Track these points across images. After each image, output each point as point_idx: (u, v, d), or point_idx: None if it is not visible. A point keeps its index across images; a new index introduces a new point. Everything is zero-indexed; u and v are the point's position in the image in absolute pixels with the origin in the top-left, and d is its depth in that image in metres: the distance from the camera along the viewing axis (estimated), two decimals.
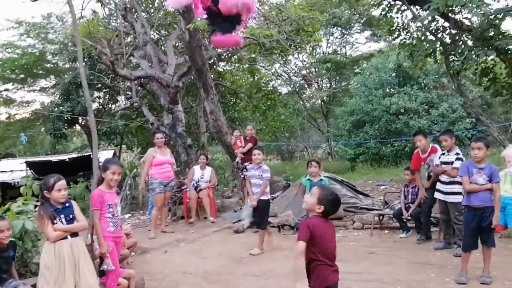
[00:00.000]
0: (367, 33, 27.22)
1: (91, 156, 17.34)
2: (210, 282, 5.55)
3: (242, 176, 10.21)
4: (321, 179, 6.99)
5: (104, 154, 20.70)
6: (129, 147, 22.71)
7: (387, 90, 20.05)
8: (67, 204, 4.37)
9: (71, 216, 4.34)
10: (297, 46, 14.15)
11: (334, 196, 3.31)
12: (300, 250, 3.07)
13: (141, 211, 11.90)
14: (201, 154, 10.19)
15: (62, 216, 4.29)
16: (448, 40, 9.07)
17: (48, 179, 4.35)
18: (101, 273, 4.78)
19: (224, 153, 15.64)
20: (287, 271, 5.78)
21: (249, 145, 9.88)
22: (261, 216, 6.85)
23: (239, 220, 9.00)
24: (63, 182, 4.36)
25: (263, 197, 6.78)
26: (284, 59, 17.99)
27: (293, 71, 26.42)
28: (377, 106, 19.22)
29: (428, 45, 8.96)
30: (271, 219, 8.64)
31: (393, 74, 20.11)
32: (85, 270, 4.24)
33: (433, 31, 9.12)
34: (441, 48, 9.19)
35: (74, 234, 4.33)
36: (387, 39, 21.69)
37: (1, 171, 19.49)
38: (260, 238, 6.77)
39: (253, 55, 15.86)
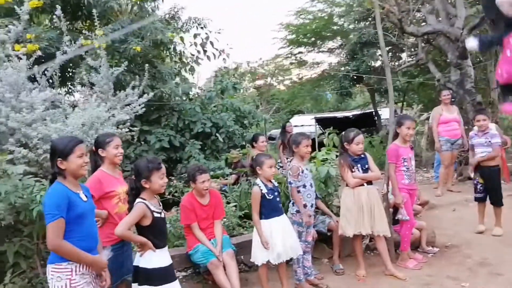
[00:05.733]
0: None
1: (373, 113, 17.96)
2: (505, 245, 5.29)
3: None
4: None
5: (386, 111, 21.16)
6: (409, 104, 22.54)
7: None
8: (362, 156, 4.82)
9: (366, 166, 4.80)
10: None
11: None
12: None
13: (424, 168, 11.87)
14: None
15: (358, 165, 4.77)
16: None
17: (348, 133, 4.89)
18: (394, 222, 5.12)
19: None
20: None
21: None
22: (492, 189, 5.79)
23: None
24: (361, 137, 4.84)
25: (491, 163, 5.78)
26: None
27: None
28: None
29: None
30: None
31: None
32: (379, 216, 4.65)
33: None
34: None
35: (369, 183, 4.77)
36: None
37: (295, 126, 22.17)
38: (497, 217, 5.83)
39: None
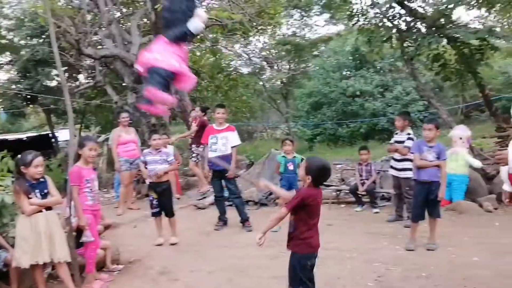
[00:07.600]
0: (326, 15, 27.59)
1: (49, 135, 17.03)
2: (181, 253, 5.89)
3: (193, 157, 9.66)
4: (294, 157, 7.44)
5: (63, 133, 20.44)
6: (86, 126, 22.42)
7: (344, 73, 20.72)
8: (42, 180, 4.56)
9: (45, 191, 4.54)
10: (259, 28, 14.40)
11: (320, 164, 3.54)
12: (282, 215, 3.50)
13: (105, 190, 11.99)
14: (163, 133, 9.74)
15: (37, 191, 4.48)
16: (403, 27, 9.62)
17: (25, 155, 4.53)
18: (79, 245, 5.00)
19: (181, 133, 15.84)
20: (254, 242, 6.19)
21: (194, 127, 9.48)
22: (165, 203, 6.41)
23: (204, 198, 9.31)
24: (40, 159, 4.55)
25: (163, 179, 6.37)
26: (245, 40, 18.18)
27: (254, 52, 26.58)
28: (334, 88, 19.85)
29: (385, 31, 9.48)
30: None
31: (350, 57, 20.74)
32: (59, 242, 4.48)
33: (390, 18, 9.64)
34: (397, 34, 9.73)
35: (49, 208, 4.55)
36: (346, 22, 22.27)
37: None
38: (173, 227, 6.44)
39: (215, 36, 15.98)
